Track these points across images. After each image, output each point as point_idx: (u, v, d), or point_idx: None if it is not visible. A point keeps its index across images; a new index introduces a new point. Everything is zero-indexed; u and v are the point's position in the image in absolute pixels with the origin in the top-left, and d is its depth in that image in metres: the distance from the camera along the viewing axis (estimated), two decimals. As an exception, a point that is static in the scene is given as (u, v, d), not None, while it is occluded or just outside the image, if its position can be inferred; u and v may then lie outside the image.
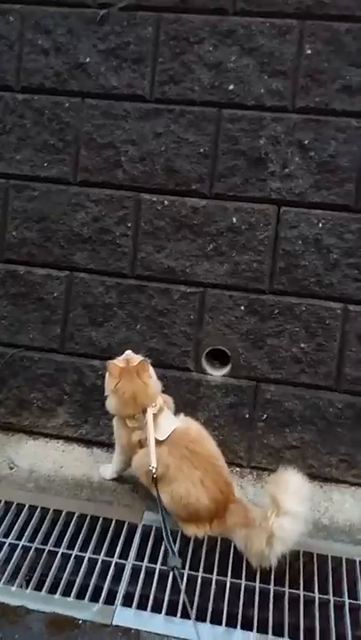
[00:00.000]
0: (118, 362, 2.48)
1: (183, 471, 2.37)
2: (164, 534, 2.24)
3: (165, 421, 2.47)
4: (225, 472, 2.47)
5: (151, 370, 2.51)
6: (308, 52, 2.69)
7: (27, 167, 2.96)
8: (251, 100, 2.75)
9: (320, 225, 2.74)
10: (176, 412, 2.57)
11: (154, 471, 2.32)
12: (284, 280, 2.79)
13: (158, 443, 2.39)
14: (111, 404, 2.50)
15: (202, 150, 2.80)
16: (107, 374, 2.50)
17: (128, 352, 2.55)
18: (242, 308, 2.84)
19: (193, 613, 2.03)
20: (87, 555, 2.38)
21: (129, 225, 2.89)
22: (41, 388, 3.01)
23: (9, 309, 3.03)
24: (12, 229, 2.99)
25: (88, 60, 2.86)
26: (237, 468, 2.86)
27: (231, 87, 2.76)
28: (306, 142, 2.72)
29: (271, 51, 2.72)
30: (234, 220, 2.80)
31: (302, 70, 2.71)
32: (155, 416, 2.43)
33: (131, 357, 2.51)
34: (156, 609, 2.18)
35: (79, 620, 2.13)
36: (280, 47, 2.71)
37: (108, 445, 2.89)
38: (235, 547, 2.38)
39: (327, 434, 2.79)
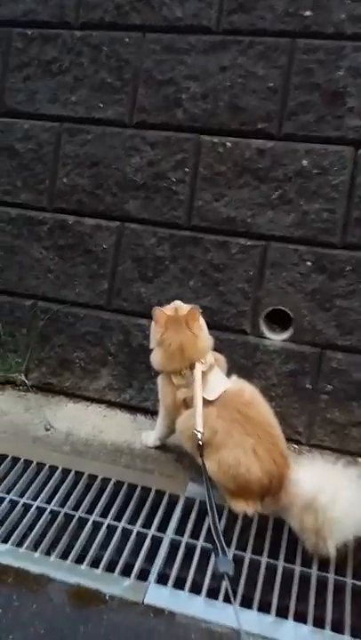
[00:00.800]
0: (166, 310, 2.21)
1: (233, 437, 2.07)
2: (210, 519, 1.82)
3: (215, 380, 2.17)
4: (282, 443, 2.15)
5: (202, 321, 2.23)
6: None
7: (82, 109, 2.75)
8: (330, 27, 2.43)
9: None
10: (228, 375, 2.26)
11: (199, 436, 2.03)
12: (360, 232, 2.44)
13: (206, 403, 2.10)
14: (156, 357, 2.24)
15: (271, 85, 2.50)
16: (152, 324, 2.23)
17: (177, 302, 2.28)
18: (308, 263, 2.50)
19: (237, 599, 1.70)
20: (121, 524, 2.11)
21: (186, 170, 2.63)
22: (85, 347, 2.78)
23: (56, 262, 2.82)
24: (62, 176, 2.79)
25: (151, -11, 2.63)
26: (295, 445, 2.53)
27: (307, 14, 2.45)
28: (392, 74, 2.37)
29: (356, -28, 2.39)
30: (304, 163, 2.48)
31: (391, -8, 2.36)
32: (204, 374, 2.14)
33: (180, 307, 2.24)
34: (196, 590, 1.88)
35: (106, 594, 1.86)
36: (366, -33, 2.38)
37: (153, 413, 2.62)
38: (290, 529, 2.05)
39: None
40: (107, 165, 2.72)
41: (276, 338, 2.58)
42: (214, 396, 2.12)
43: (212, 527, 1.76)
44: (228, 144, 2.57)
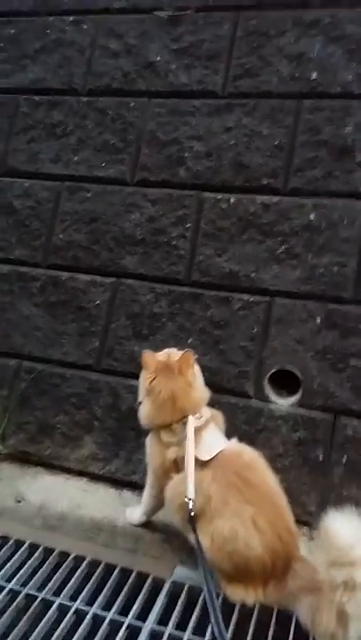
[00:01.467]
0: (157, 355, 1.97)
1: (230, 504, 1.74)
2: (207, 601, 1.51)
3: (211, 439, 1.88)
4: (288, 516, 1.80)
5: (197, 368, 1.99)
6: None
7: (83, 167, 2.72)
8: (336, 87, 2.42)
9: None
10: (227, 438, 1.96)
11: (190, 505, 1.70)
12: (373, 287, 2.25)
13: (200, 465, 1.79)
14: (144, 409, 1.96)
15: (276, 143, 2.46)
16: (141, 372, 1.98)
17: (171, 349, 2.04)
18: (317, 320, 2.29)
19: None
20: (92, 610, 1.72)
21: (187, 226, 2.52)
22: (68, 411, 2.50)
23: (45, 320, 2.63)
24: (59, 232, 2.68)
25: (158, 58, 2.69)
26: (305, 528, 2.14)
27: (314, 76, 2.46)
28: None
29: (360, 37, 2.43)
30: (311, 217, 2.36)
31: (395, 56, 2.38)
32: (197, 430, 1.85)
33: (173, 353, 2.00)
34: None
35: None
36: (370, 35, 2.42)
37: (141, 487, 2.26)
38: (297, 621, 1.64)
39: None
40: (105, 222, 2.63)
41: (282, 402, 2.30)
42: (209, 457, 1.81)
43: (212, 623, 1.40)
44: (232, 200, 2.48)
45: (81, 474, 2.44)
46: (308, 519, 2.15)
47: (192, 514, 1.72)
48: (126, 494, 2.34)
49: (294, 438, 2.23)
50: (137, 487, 2.32)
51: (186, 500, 1.73)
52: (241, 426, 2.26)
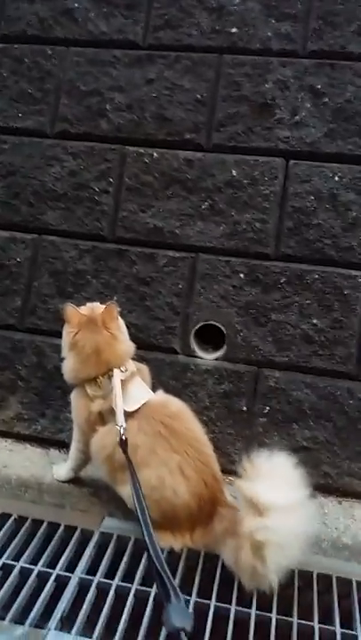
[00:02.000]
0: (81, 310, 1.94)
1: (157, 453, 1.77)
2: (150, 550, 1.45)
3: (137, 391, 1.89)
4: (214, 463, 1.85)
5: (122, 322, 1.98)
6: (321, -7, 2.40)
7: (-1, 118, 2.59)
8: (256, 43, 2.42)
9: (336, 178, 2.30)
10: (154, 390, 1.98)
11: (122, 431, 1.71)
12: (293, 243, 2.31)
13: (126, 416, 1.80)
14: (68, 364, 1.94)
15: (199, 97, 2.43)
16: (64, 327, 1.95)
17: (94, 303, 2.02)
18: (241, 276, 2.33)
19: None
20: (19, 564, 1.71)
21: (110, 180, 2.47)
22: (-9, 372, 2.44)
23: None
24: (-26, 186, 2.56)
25: (76, 5, 2.58)
26: (230, 477, 2.21)
27: (234, 30, 2.44)
28: (319, 87, 2.35)
29: (279, -6, 2.42)
30: (234, 173, 2.37)
31: (314, 13, 2.39)
32: (123, 382, 1.86)
33: (97, 307, 1.98)
34: (109, 637, 1.49)
35: (-9, 646, 1.44)
36: (289, -10, 2.42)
37: (69, 446, 2.26)
38: (223, 565, 1.71)
39: (347, 432, 2.18)
40: (24, 175, 2.53)
41: (208, 357, 2.34)
42: (135, 407, 1.83)
43: (155, 562, 1.39)
44: (155, 154, 2.45)
45: (6, 435, 2.40)
46: (233, 468, 2.21)
47: (124, 437, 1.72)
48: (54, 453, 2.33)
49: (220, 391, 2.28)
50: (64, 446, 2.31)
51: (117, 428, 1.73)
52: (168, 381, 2.29)
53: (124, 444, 1.70)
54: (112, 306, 1.90)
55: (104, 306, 1.95)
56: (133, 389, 1.88)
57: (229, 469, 2.18)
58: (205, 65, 2.45)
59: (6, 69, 2.61)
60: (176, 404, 1.91)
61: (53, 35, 2.60)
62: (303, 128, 2.35)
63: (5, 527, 1.85)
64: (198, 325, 2.34)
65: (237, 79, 2.42)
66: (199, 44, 2.47)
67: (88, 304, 1.99)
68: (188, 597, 1.61)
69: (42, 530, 1.85)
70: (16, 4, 2.65)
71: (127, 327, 2.04)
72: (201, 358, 2.33)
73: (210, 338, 2.37)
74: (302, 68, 2.38)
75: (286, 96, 2.37)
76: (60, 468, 2.14)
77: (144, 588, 1.63)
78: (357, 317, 2.23)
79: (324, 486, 2.16)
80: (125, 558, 1.75)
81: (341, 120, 2.33)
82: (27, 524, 1.87)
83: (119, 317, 1.95)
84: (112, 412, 1.82)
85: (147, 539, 1.47)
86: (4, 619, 1.52)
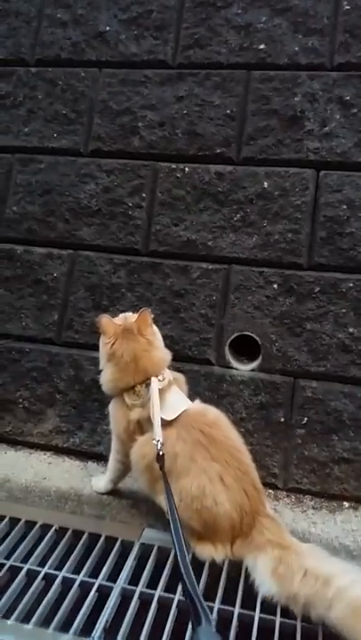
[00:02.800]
0: (115, 320, 1.96)
1: (197, 462, 1.76)
2: (182, 567, 1.40)
3: (175, 400, 1.89)
4: (253, 472, 1.83)
5: (156, 329, 1.99)
6: (347, 7, 2.43)
7: (35, 139, 2.67)
8: (284, 58, 2.46)
9: (368, 187, 2.31)
10: (191, 400, 1.98)
11: (159, 446, 1.71)
12: (327, 252, 2.31)
13: (164, 425, 1.80)
14: (106, 375, 1.95)
15: (228, 112, 2.48)
16: (100, 339, 1.97)
17: (126, 313, 2.04)
18: (275, 286, 2.34)
19: None
20: (61, 574, 1.71)
21: (143, 195, 2.51)
22: (30, 386, 2.47)
23: (2, 295, 2.58)
24: (12, 204, 2.63)
25: (108, 28, 2.66)
26: (270, 491, 2.20)
27: (262, 47, 2.48)
28: (347, 98, 2.37)
29: (305, 10, 2.47)
30: (265, 185, 2.40)
31: (340, 27, 2.43)
32: (161, 391, 1.86)
33: (129, 316, 2.00)
34: (152, 647, 1.48)
35: (37, 654, 1.44)
36: (315, 6, 2.46)
37: (106, 459, 2.26)
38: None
39: (388, 441, 2.15)
40: (60, 193, 2.59)
41: (243, 368, 2.34)
42: (173, 416, 1.83)
43: (188, 585, 1.34)
44: (187, 169, 2.49)
45: (45, 448, 2.42)
46: (273, 482, 2.20)
47: (160, 453, 1.71)
48: (92, 465, 2.34)
49: (256, 402, 2.27)
50: (102, 458, 2.33)
51: (153, 447, 1.72)
52: (204, 392, 2.29)
53: (160, 459, 1.70)
54: (146, 312, 1.92)
55: (137, 315, 1.96)
56: (171, 398, 1.88)
57: (269, 482, 2.18)
58: (234, 81, 2.50)
59: (41, 92, 2.70)
60: (214, 413, 1.91)
61: (86, 57, 2.68)
62: (333, 139, 2.36)
63: (47, 538, 1.86)
64: (233, 336, 2.35)
65: (266, 93, 2.46)
66: (228, 62, 2.52)
67: (121, 314, 2.02)
68: (232, 608, 1.60)
69: (83, 540, 1.86)
70: (50, 29, 2.74)
71: (163, 339, 2.05)
72: (236, 369, 2.33)
73: (245, 349, 2.37)
74: (330, 81, 2.40)
75: (315, 108, 2.40)
76: (99, 480, 2.15)
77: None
78: (394, 325, 2.21)
79: (365, 498, 2.12)
80: (167, 569, 1.74)
81: (372, 129, 2.34)
82: (68, 535, 1.88)
83: (153, 325, 1.96)
84: (150, 420, 1.82)
85: (180, 560, 1.43)
86: (47, 628, 1.53)
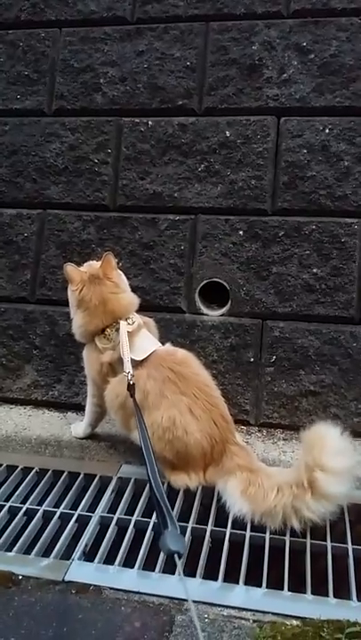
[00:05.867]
0: (80, 268, 2.02)
1: (167, 397, 1.84)
2: (152, 482, 1.48)
3: (144, 342, 1.96)
4: (222, 405, 1.92)
5: (121, 273, 2.05)
6: None
7: (-2, 102, 2.69)
8: (241, 8, 2.49)
9: (327, 131, 2.36)
10: (162, 343, 2.05)
11: (129, 377, 1.78)
12: (289, 197, 2.37)
13: (135, 365, 1.87)
14: (77, 321, 2.01)
15: (188, 64, 2.51)
16: (68, 287, 2.03)
17: (90, 262, 2.09)
18: (241, 233, 2.40)
19: (180, 570, 1.32)
20: (42, 508, 1.80)
21: (109, 151, 2.55)
22: (6, 343, 2.53)
23: (-26, 258, 2.62)
24: (-21, 168, 2.66)
25: (65, -13, 2.67)
26: (243, 427, 2.28)
27: (218, -3, 2.51)
28: (304, 44, 2.41)
29: None
30: (227, 134, 2.44)
31: (295, -26, 2.45)
32: (130, 334, 1.93)
33: (94, 264, 2.05)
34: (129, 565, 1.57)
35: (19, 575, 1.52)
36: None
37: (85, 408, 2.34)
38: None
39: (353, 374, 2.23)
40: (26, 153, 2.62)
41: (213, 313, 2.41)
42: (143, 356, 1.90)
43: (155, 492, 1.43)
44: (150, 123, 2.53)
45: (25, 402, 2.49)
46: (245, 418, 2.29)
47: (131, 382, 1.78)
48: (71, 415, 2.41)
49: (227, 345, 2.35)
50: (81, 408, 2.38)
51: (124, 375, 1.80)
52: (176, 339, 2.35)
53: (131, 388, 1.77)
54: (109, 255, 1.97)
55: (101, 261, 2.01)
56: (141, 340, 1.95)
57: (241, 419, 2.27)
58: (193, 33, 2.53)
59: (2, 55, 2.71)
60: (183, 353, 1.98)
61: (45, 18, 2.69)
62: (292, 85, 2.41)
63: (28, 479, 1.94)
64: (202, 284, 2.41)
65: (225, 44, 2.49)
66: (186, 14, 2.55)
67: (86, 263, 2.07)
68: (205, 526, 1.68)
69: (62, 479, 1.94)
70: (7, -9, 2.74)
71: (134, 291, 2.11)
72: (207, 315, 2.40)
73: (216, 298, 2.43)
74: (287, 28, 2.44)
75: (273, 56, 2.43)
76: (78, 426, 2.22)
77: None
78: (356, 264, 2.28)
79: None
80: (143, 498, 1.83)
81: (328, 74, 2.38)
82: (48, 475, 1.96)
83: (118, 269, 2.02)
84: (122, 362, 1.88)
85: (149, 470, 1.52)
86: (29, 554, 1.61)
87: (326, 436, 1.67)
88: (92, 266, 2.02)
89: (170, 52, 2.54)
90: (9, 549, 1.63)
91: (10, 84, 2.69)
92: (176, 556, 1.26)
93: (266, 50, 2.44)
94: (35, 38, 2.69)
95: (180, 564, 1.24)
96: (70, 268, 1.97)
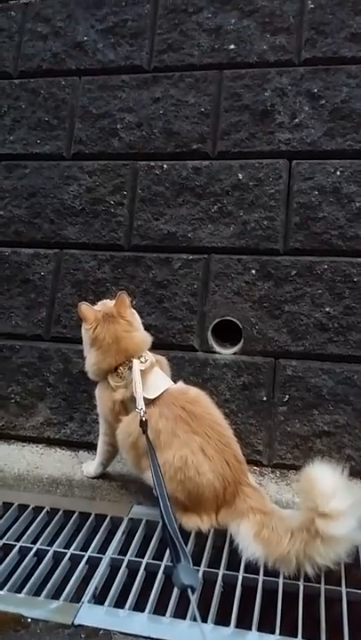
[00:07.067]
0: (94, 307, 2.04)
1: (179, 436, 1.83)
2: (163, 516, 1.47)
3: (157, 380, 1.96)
4: (234, 445, 1.90)
5: (134, 312, 2.07)
6: (311, 6, 2.55)
7: (19, 146, 2.78)
8: (253, 57, 2.57)
9: (338, 173, 2.40)
10: (174, 382, 2.05)
11: (142, 413, 1.78)
12: (301, 237, 2.40)
13: (147, 404, 1.87)
14: (90, 359, 2.02)
15: (203, 110, 2.59)
16: (82, 325, 2.05)
17: (104, 300, 2.12)
18: (253, 272, 2.42)
19: (194, 605, 1.29)
20: (52, 549, 1.78)
21: (125, 193, 2.61)
22: (21, 381, 2.55)
23: (-9, 296, 2.67)
24: (-1, 209, 2.74)
25: (85, 38, 2.79)
26: (256, 467, 2.25)
27: (232, 47, 2.60)
28: (315, 90, 2.48)
29: (272, 10, 2.59)
30: (240, 176, 2.50)
31: (306, 24, 2.55)
32: (143, 372, 1.93)
33: (107, 303, 2.08)
34: (139, 609, 1.54)
35: (28, 618, 1.50)
36: (281, 6, 2.58)
37: (96, 447, 2.33)
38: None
39: (368, 415, 2.21)
40: (44, 195, 2.70)
41: (226, 352, 2.41)
42: (155, 395, 1.90)
43: (168, 526, 1.42)
44: (165, 166, 2.59)
45: (37, 440, 2.49)
46: (258, 459, 2.26)
47: (144, 419, 1.78)
48: (83, 454, 2.40)
49: (239, 383, 2.34)
50: (93, 447, 2.37)
51: (136, 411, 1.80)
52: (189, 377, 2.35)
53: (144, 424, 1.77)
54: (123, 295, 1.99)
55: (115, 299, 2.03)
56: (153, 378, 1.95)
57: (254, 459, 2.24)
58: (207, 81, 2.62)
59: (24, 102, 2.82)
60: (195, 391, 1.98)
61: (66, 67, 2.81)
62: (303, 129, 2.47)
63: (39, 519, 1.92)
64: (215, 322, 2.43)
65: (238, 90, 2.57)
66: (200, 63, 2.64)
67: (100, 302, 2.10)
68: (217, 570, 1.65)
69: (73, 519, 1.92)
70: (31, 42, 2.87)
71: (147, 329, 2.13)
72: (219, 353, 2.41)
73: (228, 337, 2.44)
74: (298, 75, 2.51)
75: (285, 102, 2.50)
76: (89, 465, 2.21)
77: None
78: (369, 303, 2.29)
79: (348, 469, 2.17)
80: (155, 539, 1.80)
81: (339, 119, 2.44)
82: (59, 515, 1.94)
83: (131, 307, 2.04)
84: (134, 400, 1.89)
85: (162, 507, 1.50)
86: (39, 596, 1.58)
87: (319, 479, 1.62)
88: (107, 304, 2.05)
89: (185, 98, 2.62)
90: (19, 590, 1.61)
91: (31, 129, 2.78)
92: (190, 590, 1.24)
93: (278, 96, 2.52)
94: (55, 86, 2.80)
95: (193, 598, 1.22)
96: (84, 307, 2.00)
